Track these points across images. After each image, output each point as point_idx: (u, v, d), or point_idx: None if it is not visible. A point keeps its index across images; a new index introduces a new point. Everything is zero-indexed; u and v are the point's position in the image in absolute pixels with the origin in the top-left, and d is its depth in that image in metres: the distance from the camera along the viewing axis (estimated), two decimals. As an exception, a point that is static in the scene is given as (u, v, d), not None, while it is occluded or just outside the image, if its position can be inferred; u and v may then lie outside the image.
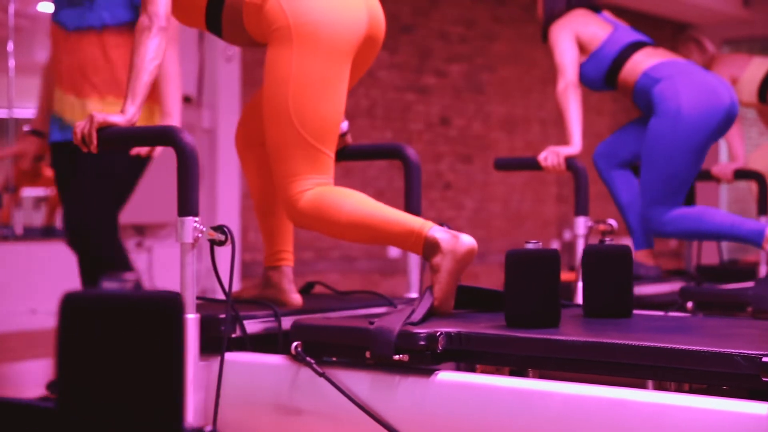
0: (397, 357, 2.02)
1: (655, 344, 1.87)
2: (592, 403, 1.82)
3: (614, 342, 1.91)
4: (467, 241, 2.28)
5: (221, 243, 2.15)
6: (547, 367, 2.01)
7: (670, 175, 3.60)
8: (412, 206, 2.79)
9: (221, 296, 2.29)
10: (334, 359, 2.19)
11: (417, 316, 2.13)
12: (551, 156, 3.53)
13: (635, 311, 2.41)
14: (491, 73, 8.61)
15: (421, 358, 2.02)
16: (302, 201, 2.37)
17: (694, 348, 1.83)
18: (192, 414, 2.15)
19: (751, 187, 4.82)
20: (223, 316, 2.25)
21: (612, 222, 3.36)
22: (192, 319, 2.14)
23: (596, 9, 3.86)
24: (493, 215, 8.53)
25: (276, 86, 2.36)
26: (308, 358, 2.12)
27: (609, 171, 3.88)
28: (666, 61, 3.69)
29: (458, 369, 2.34)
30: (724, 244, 4.85)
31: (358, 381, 2.07)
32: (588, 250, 2.36)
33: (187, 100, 6.59)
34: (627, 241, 4.70)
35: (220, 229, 2.14)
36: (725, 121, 3.62)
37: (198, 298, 2.26)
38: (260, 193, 2.69)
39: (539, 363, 2.01)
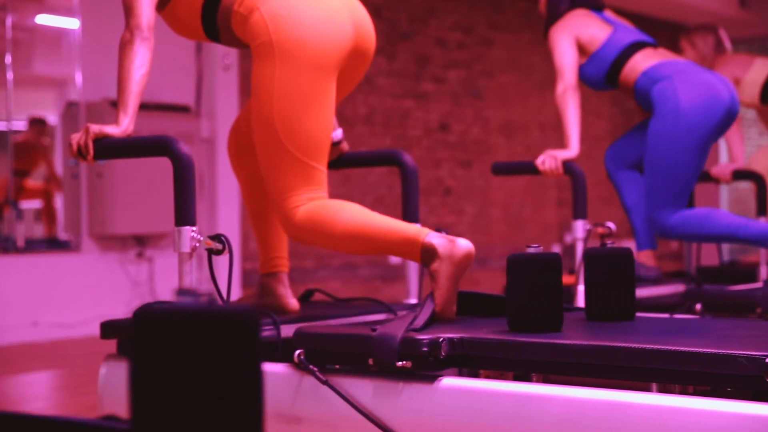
0: (400, 363, 2.01)
1: (659, 347, 1.85)
2: (596, 407, 1.81)
3: (617, 345, 1.89)
4: (464, 244, 2.27)
5: (219, 252, 2.14)
6: (551, 371, 1.99)
7: (673, 176, 3.58)
8: (409, 212, 2.78)
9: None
10: (337, 367, 2.17)
11: (419, 322, 2.12)
12: (549, 160, 3.52)
13: (638, 314, 2.39)
14: (489, 79, 8.61)
15: (425, 365, 2.01)
16: (298, 216, 2.37)
17: (698, 350, 1.82)
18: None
19: (753, 188, 4.81)
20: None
21: (610, 225, 3.35)
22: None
23: (599, 8, 3.84)
24: (494, 220, 8.52)
25: (261, 102, 2.36)
26: (311, 366, 2.11)
27: (617, 172, 3.87)
28: (665, 61, 3.68)
29: (461, 375, 2.32)
30: (725, 246, 4.84)
31: (361, 388, 2.06)
32: (589, 253, 2.34)
33: (185, 109, 6.59)
34: (628, 243, 4.69)
35: (217, 238, 2.13)
36: (725, 119, 3.60)
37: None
38: (254, 200, 2.68)
39: (542, 367, 1.99)
